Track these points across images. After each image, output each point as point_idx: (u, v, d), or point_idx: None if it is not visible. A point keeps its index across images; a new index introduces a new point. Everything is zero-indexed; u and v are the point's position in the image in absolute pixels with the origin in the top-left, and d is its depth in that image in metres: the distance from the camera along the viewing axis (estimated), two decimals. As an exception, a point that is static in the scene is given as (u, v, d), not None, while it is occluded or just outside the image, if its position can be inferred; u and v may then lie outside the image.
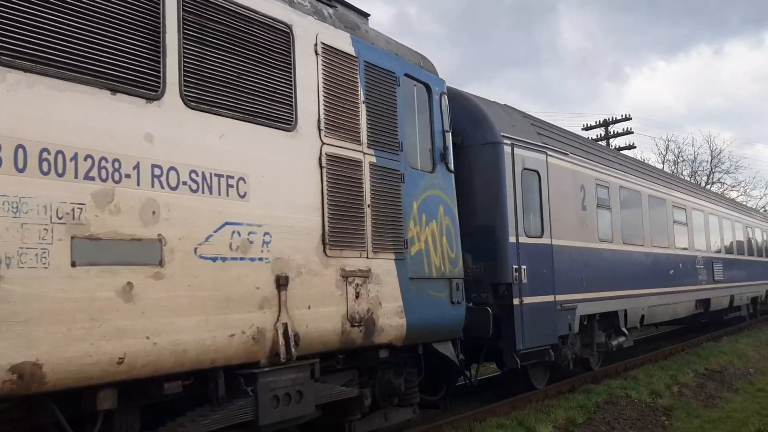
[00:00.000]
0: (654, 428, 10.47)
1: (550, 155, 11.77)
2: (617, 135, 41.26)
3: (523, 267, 10.50)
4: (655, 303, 15.66)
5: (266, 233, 6.07)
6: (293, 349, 6.14)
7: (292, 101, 6.54)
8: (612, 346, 13.67)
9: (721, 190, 52.50)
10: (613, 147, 39.43)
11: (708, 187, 50.46)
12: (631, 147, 41.18)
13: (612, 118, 41.35)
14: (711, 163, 54.71)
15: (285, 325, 6.13)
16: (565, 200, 12.12)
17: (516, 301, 10.25)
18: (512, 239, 10.42)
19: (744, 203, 42.75)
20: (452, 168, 9.03)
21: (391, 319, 7.48)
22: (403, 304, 7.67)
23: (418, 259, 8.04)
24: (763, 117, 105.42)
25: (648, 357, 16.53)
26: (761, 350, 19.19)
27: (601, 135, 41.03)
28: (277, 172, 6.30)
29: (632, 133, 41.51)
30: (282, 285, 6.14)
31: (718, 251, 21.88)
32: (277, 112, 6.38)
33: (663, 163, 53.63)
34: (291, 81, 6.56)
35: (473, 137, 10.54)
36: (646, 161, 44.14)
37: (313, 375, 6.50)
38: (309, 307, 6.43)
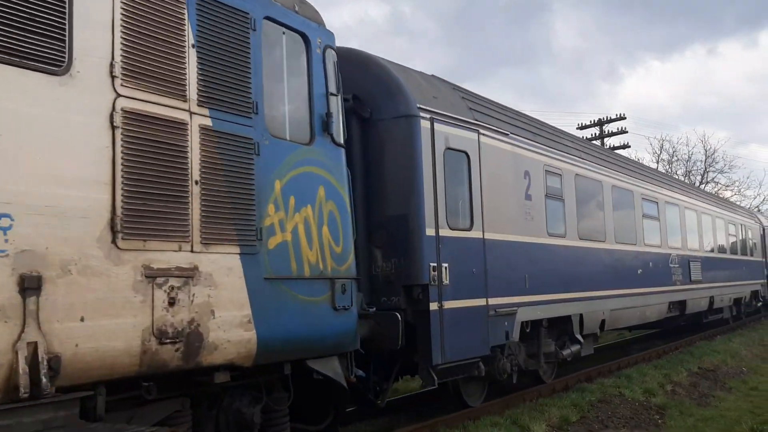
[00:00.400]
0: (647, 427, 10.34)
1: (483, 134, 9.91)
2: (612, 134, 40.96)
3: (445, 265, 8.67)
4: (619, 306, 13.85)
5: (4, 215, 4.29)
6: (46, 379, 4.35)
7: (61, 33, 4.76)
8: (563, 355, 11.87)
9: (716, 189, 51.81)
10: (608, 146, 38.71)
11: (702, 186, 49.38)
12: (625, 146, 41.29)
13: (606, 117, 41.17)
14: (705, 162, 54.29)
15: (33, 346, 4.35)
16: (504, 188, 10.29)
17: (434, 306, 8.43)
18: (430, 232, 8.55)
19: (738, 203, 41.43)
20: (341, 141, 7.26)
21: (231, 333, 5.67)
22: (252, 311, 5.87)
23: (279, 254, 6.25)
24: (758, 117, 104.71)
25: (642, 356, 16.66)
26: (754, 349, 19.02)
27: (595, 134, 40.84)
28: (31, 131, 4.52)
29: (627, 132, 41.49)
30: (30, 289, 4.35)
31: (696, 249, 19.94)
32: (35, 47, 4.59)
33: (657, 162, 53.28)
34: (60, 4, 4.78)
35: (384, 109, 8.71)
36: (641, 161, 43.30)
37: (88, 412, 4.71)
38: (81, 319, 4.64)
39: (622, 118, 40.57)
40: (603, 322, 13.09)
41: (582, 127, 41.16)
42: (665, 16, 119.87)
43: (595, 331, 12.94)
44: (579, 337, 12.07)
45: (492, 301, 9.50)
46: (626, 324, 15.57)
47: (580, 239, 12.55)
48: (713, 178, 54.21)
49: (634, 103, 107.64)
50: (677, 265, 17.78)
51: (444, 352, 8.48)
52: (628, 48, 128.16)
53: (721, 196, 44.05)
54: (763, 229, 29.89)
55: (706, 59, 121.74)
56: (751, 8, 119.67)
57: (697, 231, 20.35)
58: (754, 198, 57.23)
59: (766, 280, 28.68)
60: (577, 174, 12.78)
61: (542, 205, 11.30)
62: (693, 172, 54.08)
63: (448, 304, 8.63)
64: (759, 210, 51.33)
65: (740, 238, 25.81)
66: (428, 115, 8.83)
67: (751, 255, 26.95)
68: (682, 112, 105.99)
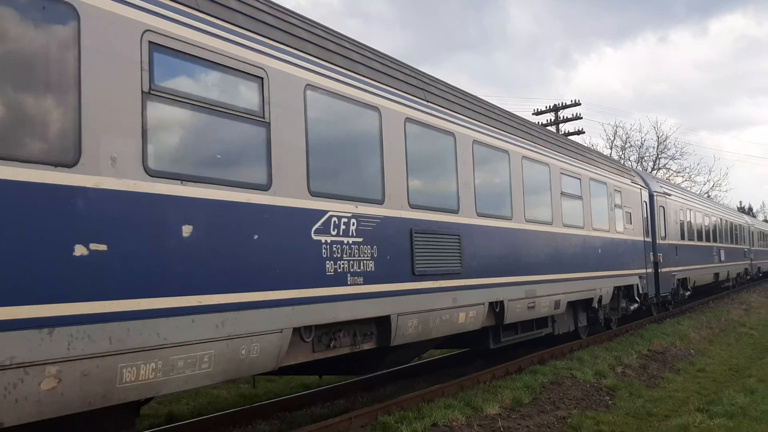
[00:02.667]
0: (598, 408, 10.39)
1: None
2: (567, 120, 41.52)
3: None
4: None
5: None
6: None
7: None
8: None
9: (667, 176, 52.72)
10: (563, 132, 39.18)
11: (654, 173, 50.26)
12: (580, 132, 41.52)
13: (562, 103, 41.76)
14: (657, 149, 55.15)
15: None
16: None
17: None
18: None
19: (688, 189, 42.29)
20: None
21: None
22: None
23: None
24: (707, 105, 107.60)
25: (593, 338, 16.56)
26: (702, 332, 19.26)
27: (551, 120, 41.37)
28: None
29: (581, 118, 42.01)
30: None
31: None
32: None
33: (611, 148, 53.95)
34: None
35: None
36: (595, 147, 44.00)
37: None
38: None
39: (577, 104, 41.14)
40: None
41: (538, 113, 41.63)
42: (617, 2, 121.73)
43: None
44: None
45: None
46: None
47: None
48: (665, 165, 55.44)
49: (588, 90, 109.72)
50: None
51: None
52: (582, 34, 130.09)
53: (672, 182, 44.90)
54: (650, 196, 20.85)
55: (657, 47, 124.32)
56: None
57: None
58: (704, 184, 58.58)
59: (648, 270, 19.62)
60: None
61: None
62: (645, 158, 55.26)
63: None
64: (708, 195, 52.64)
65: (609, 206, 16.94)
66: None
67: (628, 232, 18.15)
68: (634, 98, 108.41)
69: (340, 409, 10.10)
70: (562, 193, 14.12)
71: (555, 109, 41.56)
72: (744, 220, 43.05)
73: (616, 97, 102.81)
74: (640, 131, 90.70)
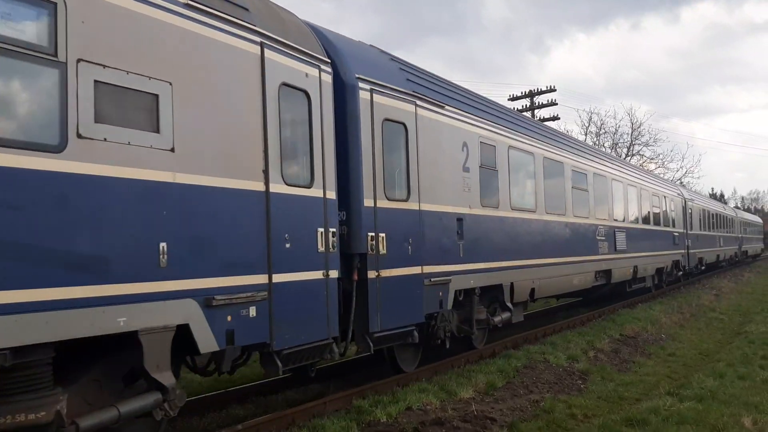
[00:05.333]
0: (570, 391, 10.45)
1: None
2: (542, 106, 41.85)
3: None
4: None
5: None
6: None
7: None
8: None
9: (641, 162, 53.24)
10: (538, 118, 39.43)
11: (628, 159, 50.78)
12: (555, 118, 41.75)
13: (537, 89, 42.08)
14: (631, 135, 55.60)
15: None
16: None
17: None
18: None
19: (662, 175, 42.83)
20: None
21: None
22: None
23: None
24: (679, 92, 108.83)
25: (566, 323, 17.02)
26: (673, 317, 19.43)
27: (526, 105, 41.69)
28: None
29: (556, 104, 42.37)
30: None
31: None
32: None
33: (586, 134, 54.35)
34: None
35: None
36: (569, 132, 44.42)
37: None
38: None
39: (552, 90, 41.46)
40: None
41: (513, 98, 41.93)
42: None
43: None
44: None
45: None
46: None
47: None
48: (639, 151, 55.93)
49: (561, 76, 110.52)
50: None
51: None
52: (555, 20, 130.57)
53: (645, 168, 45.53)
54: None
55: (630, 34, 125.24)
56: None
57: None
58: (677, 171, 59.21)
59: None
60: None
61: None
62: (620, 144, 55.70)
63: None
64: (681, 183, 53.36)
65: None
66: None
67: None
68: (606, 85, 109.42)
69: (314, 394, 10.10)
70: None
71: (531, 95, 41.86)
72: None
73: (588, 83, 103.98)
74: (614, 118, 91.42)
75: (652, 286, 24.68)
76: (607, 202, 19.14)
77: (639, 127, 55.88)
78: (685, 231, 29.74)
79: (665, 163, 58.33)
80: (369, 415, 8.19)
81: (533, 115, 40.57)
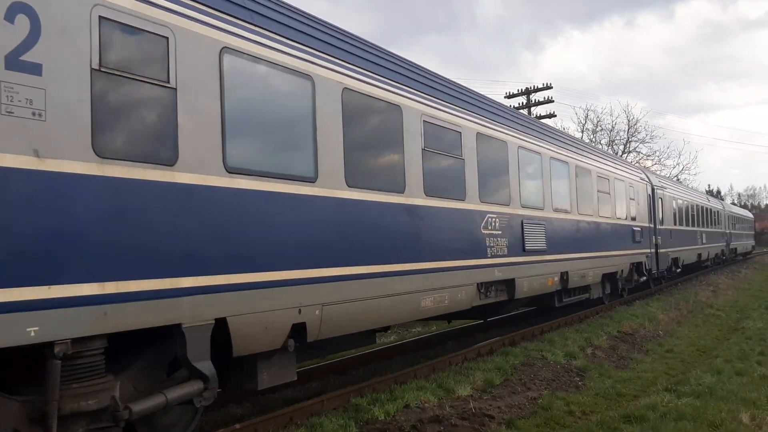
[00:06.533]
0: (568, 388, 10.48)
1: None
2: (539, 103, 41.74)
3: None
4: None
5: None
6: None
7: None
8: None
9: (637, 159, 53.30)
10: (535, 115, 39.37)
11: (624, 156, 50.82)
12: (552, 116, 41.74)
13: (533, 86, 42.02)
14: (628, 132, 55.67)
15: None
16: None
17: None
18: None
19: (658, 172, 42.82)
20: None
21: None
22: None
23: None
24: (674, 89, 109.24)
25: (564, 320, 16.90)
26: (670, 313, 19.48)
27: (522, 103, 41.52)
28: None
29: (553, 101, 42.26)
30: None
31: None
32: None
33: (582, 131, 54.40)
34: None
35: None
36: (566, 130, 44.35)
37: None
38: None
39: (548, 87, 41.40)
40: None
41: (510, 96, 41.91)
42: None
43: None
44: None
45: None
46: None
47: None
48: (635, 148, 56.02)
49: (556, 73, 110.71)
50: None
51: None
52: (549, 17, 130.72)
53: (642, 165, 45.45)
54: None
55: (625, 31, 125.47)
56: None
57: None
58: (674, 167, 59.32)
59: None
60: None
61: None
62: (616, 141, 55.79)
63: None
64: (678, 179, 53.36)
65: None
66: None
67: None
68: (601, 82, 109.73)
69: (313, 392, 10.10)
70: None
71: (527, 92, 41.82)
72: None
73: (583, 80, 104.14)
74: (611, 115, 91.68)
75: (603, 296, 19.30)
76: (506, 182, 13.05)
77: (635, 124, 56.03)
78: (652, 225, 23.74)
79: (662, 160, 58.53)
80: (367, 413, 8.19)
81: (530, 113, 40.53)
